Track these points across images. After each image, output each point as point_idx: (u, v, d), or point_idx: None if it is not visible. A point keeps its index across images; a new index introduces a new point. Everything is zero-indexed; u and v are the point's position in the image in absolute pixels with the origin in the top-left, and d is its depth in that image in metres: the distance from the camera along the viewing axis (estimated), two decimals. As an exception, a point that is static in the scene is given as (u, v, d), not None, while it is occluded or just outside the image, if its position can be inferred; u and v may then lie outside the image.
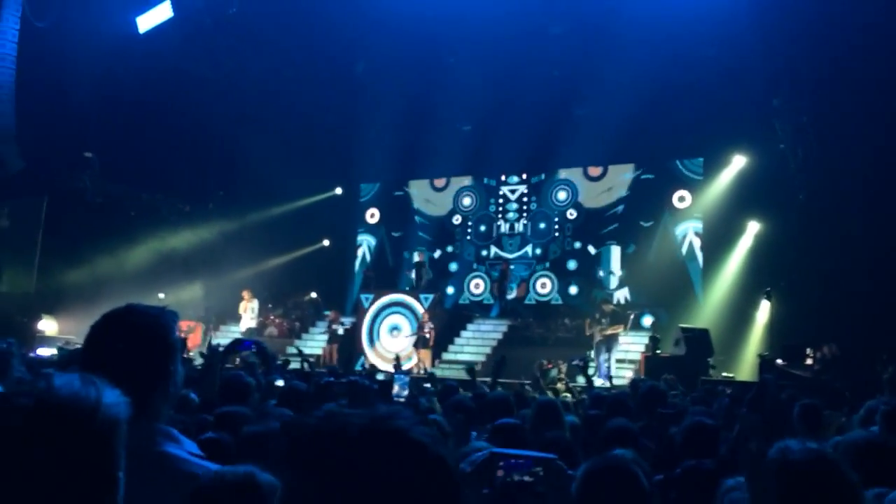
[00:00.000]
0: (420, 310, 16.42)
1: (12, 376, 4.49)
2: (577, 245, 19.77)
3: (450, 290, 20.74)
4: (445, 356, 16.48)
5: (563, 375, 13.26)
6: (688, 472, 3.45)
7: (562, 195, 20.17)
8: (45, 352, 11.19)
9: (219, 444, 3.00)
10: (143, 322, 1.80)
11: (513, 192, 20.82)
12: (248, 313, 17.44)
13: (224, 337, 18.41)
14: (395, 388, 2.87)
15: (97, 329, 1.78)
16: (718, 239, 17.56)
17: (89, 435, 1.02)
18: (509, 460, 1.34)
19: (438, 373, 14.70)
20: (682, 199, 18.67)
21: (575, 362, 12.84)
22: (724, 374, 13.43)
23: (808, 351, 13.04)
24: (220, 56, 18.45)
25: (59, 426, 1.01)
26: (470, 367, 9.40)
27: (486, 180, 21.15)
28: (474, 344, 17.17)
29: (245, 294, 17.67)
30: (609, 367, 14.10)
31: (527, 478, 1.33)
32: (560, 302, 19.43)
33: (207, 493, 1.62)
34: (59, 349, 10.89)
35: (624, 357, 15.23)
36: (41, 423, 1.00)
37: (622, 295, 18.74)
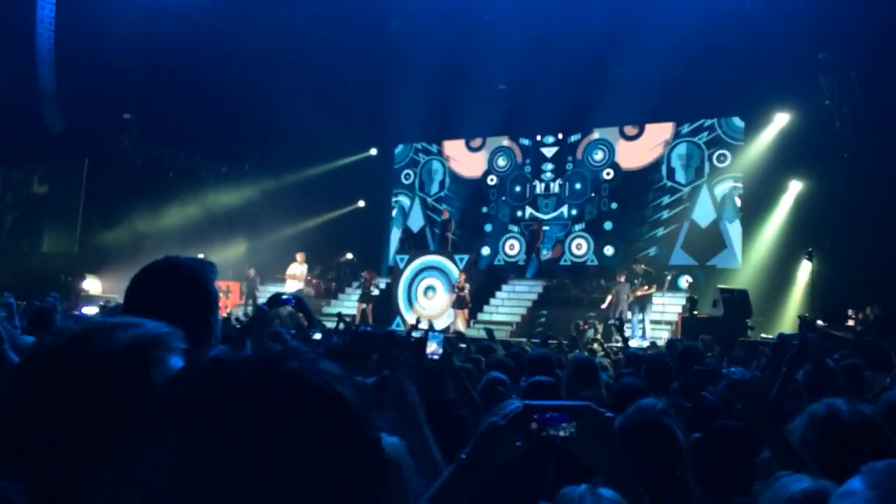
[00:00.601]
0: (455, 271, 16.43)
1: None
2: (614, 206, 19.50)
3: (485, 250, 20.69)
4: (481, 317, 16.53)
5: (599, 336, 13.25)
6: (722, 430, 3.42)
7: (598, 155, 19.87)
8: (89, 310, 11.45)
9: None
10: (183, 273, 1.79)
11: (549, 151, 20.54)
12: (298, 276, 17.36)
13: (262, 296, 18.69)
14: (432, 346, 2.86)
15: (137, 281, 1.77)
16: (759, 198, 17.21)
17: (107, 373, 1.01)
18: (543, 412, 1.32)
19: (474, 333, 14.77)
20: (721, 158, 18.30)
21: (611, 321, 12.79)
22: (763, 335, 13.25)
23: (850, 312, 12.80)
24: (255, 17, 18.41)
25: (72, 370, 1.00)
26: (488, 329, 9.44)
27: (521, 140, 20.89)
28: (509, 304, 17.19)
29: (298, 256, 17.59)
30: (644, 328, 14.04)
31: (562, 432, 1.31)
32: (595, 263, 19.28)
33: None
34: (101, 307, 11.14)
35: (661, 318, 15.13)
36: (60, 363, 1.00)
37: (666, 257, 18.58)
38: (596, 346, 12.86)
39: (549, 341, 8.80)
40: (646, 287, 14.47)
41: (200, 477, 0.82)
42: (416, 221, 22.10)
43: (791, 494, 1.51)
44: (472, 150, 21.56)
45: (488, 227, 21.07)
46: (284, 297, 4.82)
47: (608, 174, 19.71)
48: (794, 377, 3.32)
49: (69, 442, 0.97)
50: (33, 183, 20.48)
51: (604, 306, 15.06)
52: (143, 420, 1.00)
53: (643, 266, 14.98)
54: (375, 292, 17.46)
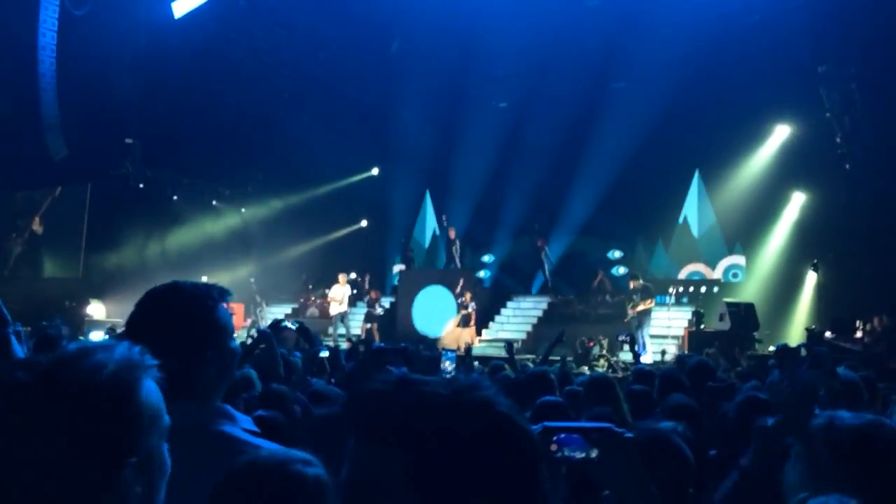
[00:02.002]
0: (459, 289, 16.36)
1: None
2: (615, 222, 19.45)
3: (489, 268, 20.68)
4: (486, 333, 16.47)
5: (605, 352, 13.19)
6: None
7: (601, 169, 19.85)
8: (94, 336, 11.42)
9: (270, 422, 3.03)
10: (187, 299, 1.76)
11: (552, 167, 20.46)
12: (340, 298, 16.80)
13: (269, 315, 18.68)
14: (445, 365, 2.84)
15: (141, 306, 1.75)
16: (763, 210, 17.18)
17: (92, 400, 0.98)
18: (562, 434, 1.29)
19: (479, 351, 14.71)
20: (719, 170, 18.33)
21: (621, 338, 12.74)
22: (771, 347, 13.18)
23: (858, 323, 12.73)
24: (255, 39, 18.53)
25: (60, 390, 0.97)
26: (508, 343, 9.34)
27: (521, 161, 20.79)
28: (514, 321, 17.13)
29: (340, 278, 17.11)
30: (645, 343, 13.98)
31: (581, 454, 1.28)
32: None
33: (241, 479, 1.53)
34: (109, 331, 11.11)
35: (667, 332, 15.07)
36: (43, 387, 0.97)
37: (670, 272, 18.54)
38: (602, 361, 12.85)
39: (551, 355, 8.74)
40: (646, 302, 14.42)
41: (387, 494, 0.86)
42: (421, 239, 22.10)
43: None
44: (473, 170, 21.52)
45: (494, 244, 21.04)
46: (284, 323, 4.81)
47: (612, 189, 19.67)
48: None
49: (64, 470, 0.95)
50: (42, 208, 20.47)
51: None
52: (135, 444, 0.98)
53: (641, 281, 14.94)
54: (380, 311, 17.39)
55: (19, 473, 0.94)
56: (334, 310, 16.77)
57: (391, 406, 0.91)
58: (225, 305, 1.83)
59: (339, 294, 16.85)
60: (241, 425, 1.75)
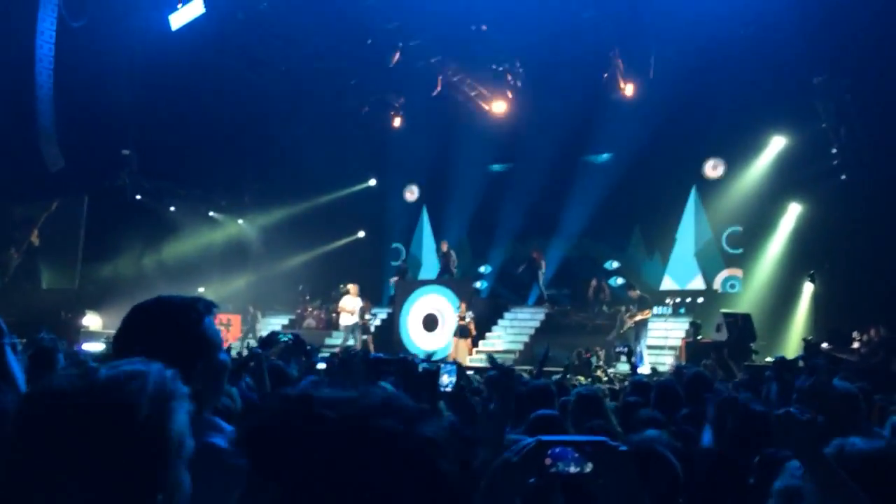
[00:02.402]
0: (457, 300, 16.36)
1: (59, 370, 4.56)
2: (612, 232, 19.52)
3: (486, 279, 20.70)
4: (482, 345, 16.44)
5: (601, 363, 13.19)
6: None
7: (598, 181, 19.92)
8: (90, 347, 11.39)
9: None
10: (173, 313, 1.76)
11: (549, 179, 20.51)
12: (353, 308, 16.54)
13: (266, 327, 18.65)
14: (444, 378, 2.83)
15: (127, 321, 1.75)
16: (759, 221, 17.22)
17: (133, 424, 0.97)
18: (556, 448, 1.28)
19: (476, 361, 14.68)
20: (716, 181, 18.39)
21: (619, 349, 12.75)
22: (768, 358, 13.18)
23: (855, 334, 12.74)
24: (252, 51, 18.56)
25: (100, 415, 0.96)
26: (490, 356, 9.34)
27: (518, 169, 20.84)
28: (511, 332, 17.11)
29: (351, 288, 16.85)
30: (642, 354, 13.98)
31: (576, 468, 1.27)
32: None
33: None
34: (108, 342, 11.06)
35: (664, 343, 15.07)
36: (80, 413, 0.96)
37: (666, 283, 18.55)
38: (600, 373, 12.83)
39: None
40: (644, 313, 14.43)
41: None
42: (417, 250, 22.12)
43: None
44: (470, 180, 21.57)
45: (491, 255, 21.06)
46: (281, 336, 4.82)
47: (609, 200, 19.71)
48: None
49: (98, 497, 0.94)
50: (40, 220, 20.39)
51: (610, 337, 14.98)
52: (166, 477, 0.97)
53: (638, 292, 14.95)
54: (373, 321, 17.37)
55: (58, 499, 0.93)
56: (345, 321, 16.47)
57: (273, 424, 0.82)
58: (212, 318, 1.83)
59: (350, 305, 16.58)
60: (229, 435, 1.75)
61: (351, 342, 16.22)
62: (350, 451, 0.78)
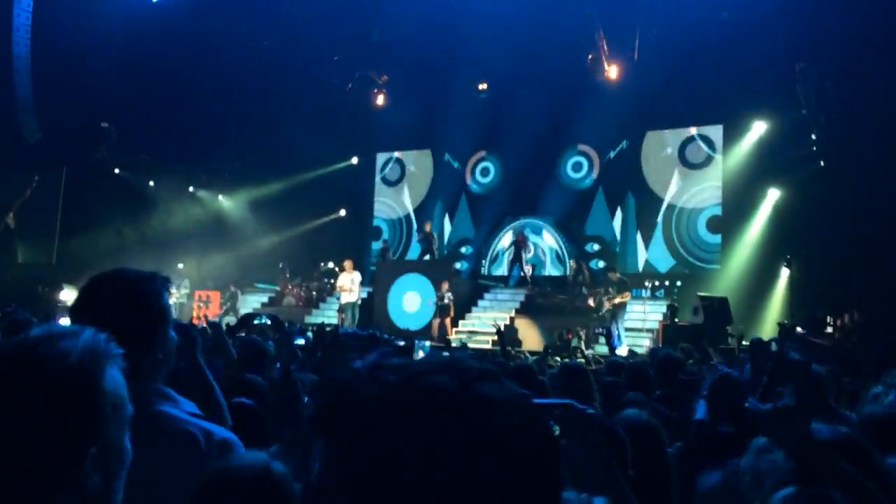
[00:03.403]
0: (438, 280, 16.38)
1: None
2: (596, 214, 19.63)
3: (467, 259, 20.75)
4: (462, 325, 16.51)
5: (582, 345, 13.29)
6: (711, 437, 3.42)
7: (578, 167, 19.99)
8: (66, 321, 11.31)
9: (245, 409, 3.06)
10: (131, 286, 1.78)
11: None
12: (350, 286, 16.14)
13: (245, 304, 18.60)
14: (418, 354, 2.85)
15: (85, 292, 1.77)
16: (738, 206, 17.37)
17: (60, 384, 0.98)
18: None
19: (455, 341, 14.75)
20: (694, 165, 18.52)
21: (598, 331, 12.84)
22: (744, 342, 13.33)
23: (829, 319, 12.91)
24: (234, 24, 18.34)
25: (27, 374, 0.97)
26: (497, 328, 9.17)
27: (502, 153, 20.88)
28: (491, 313, 17.17)
29: (346, 265, 16.50)
30: (620, 336, 14.09)
31: None
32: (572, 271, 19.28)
33: (217, 487, 1.60)
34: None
35: (642, 326, 15.21)
36: (10, 372, 0.97)
37: (647, 266, 18.68)
38: (578, 354, 12.93)
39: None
40: (623, 295, 14.52)
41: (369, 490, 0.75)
42: (399, 230, 22.12)
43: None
44: (453, 161, 21.58)
45: (471, 236, 21.11)
46: (258, 318, 4.82)
47: (586, 183, 19.83)
48: (774, 389, 3.31)
49: (22, 457, 0.94)
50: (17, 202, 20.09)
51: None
52: (97, 433, 0.97)
53: (618, 274, 15.06)
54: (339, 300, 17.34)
55: None
56: (345, 299, 16.10)
57: (350, 399, 0.79)
58: (168, 293, 1.86)
59: (346, 282, 16.19)
60: (184, 408, 1.79)
61: (348, 321, 15.99)
62: (406, 411, 0.77)
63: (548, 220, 20.16)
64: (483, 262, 20.84)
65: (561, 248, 19.97)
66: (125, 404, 1.07)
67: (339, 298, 16.58)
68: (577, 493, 1.28)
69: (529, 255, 18.81)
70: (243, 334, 5.05)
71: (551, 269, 19.94)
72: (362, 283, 16.82)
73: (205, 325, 6.86)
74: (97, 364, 1.03)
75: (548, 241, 20.15)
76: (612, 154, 19.48)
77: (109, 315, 1.60)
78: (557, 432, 1.30)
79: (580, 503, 1.31)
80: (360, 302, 16.52)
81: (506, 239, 20.54)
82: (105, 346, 1.06)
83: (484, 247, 20.82)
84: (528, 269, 18.31)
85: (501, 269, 20.21)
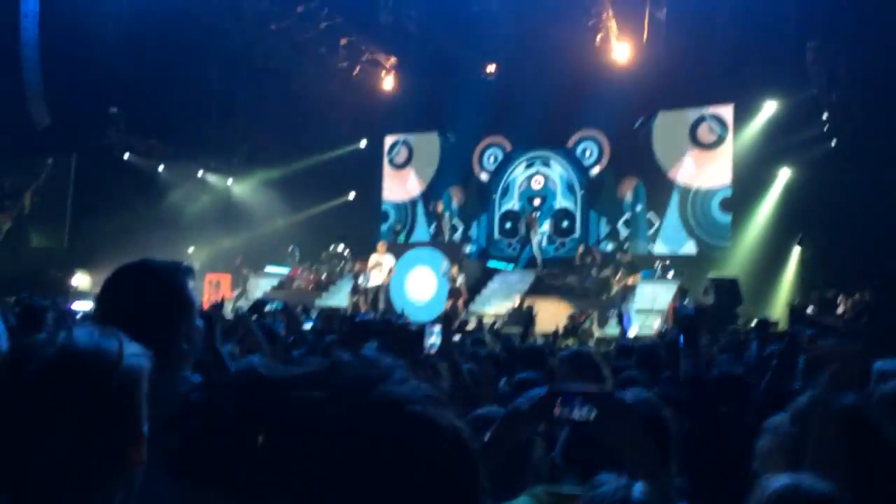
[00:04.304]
0: (447, 262, 16.38)
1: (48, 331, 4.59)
2: (602, 217, 19.66)
3: (476, 241, 20.78)
4: (471, 307, 16.52)
5: (594, 327, 13.30)
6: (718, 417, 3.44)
7: (588, 152, 19.95)
8: (79, 306, 11.40)
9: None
10: (158, 277, 1.79)
11: (541, 165, 20.48)
12: (379, 269, 16.18)
13: (256, 287, 18.67)
14: (430, 339, 2.87)
15: (111, 283, 1.78)
16: (749, 186, 17.28)
17: (110, 387, 1.01)
18: (567, 396, 1.34)
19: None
20: (709, 145, 18.43)
21: (609, 313, 12.85)
22: (753, 323, 13.33)
23: (840, 298, 12.87)
24: (241, 7, 18.28)
25: (79, 379, 0.99)
26: (478, 318, 9.29)
27: (512, 137, 20.84)
28: (501, 295, 17.18)
29: (379, 246, 16.59)
30: (630, 317, 14.10)
31: (582, 416, 1.32)
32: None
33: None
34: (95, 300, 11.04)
35: (651, 307, 15.20)
36: (62, 376, 0.99)
37: (659, 247, 18.66)
38: (586, 337, 12.95)
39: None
40: (633, 277, 14.51)
41: None
42: (409, 212, 22.14)
43: (767, 495, 1.51)
44: (461, 144, 21.55)
45: (481, 217, 21.13)
46: (269, 305, 4.86)
47: (595, 171, 19.81)
48: (787, 372, 3.32)
49: (71, 459, 0.97)
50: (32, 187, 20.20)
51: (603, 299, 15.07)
52: (141, 432, 1.00)
53: (628, 256, 15.06)
54: (365, 284, 17.35)
55: (36, 458, 0.96)
56: (375, 281, 16.11)
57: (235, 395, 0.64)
58: (192, 283, 1.87)
59: (378, 261, 16.18)
60: None
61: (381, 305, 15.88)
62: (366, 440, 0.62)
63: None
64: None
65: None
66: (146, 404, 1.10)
67: (359, 280, 16.64)
68: (617, 476, 1.31)
69: (538, 236, 18.78)
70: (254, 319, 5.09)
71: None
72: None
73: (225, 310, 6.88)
74: (143, 364, 1.06)
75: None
76: (622, 135, 19.41)
77: (136, 306, 1.64)
78: (594, 418, 1.32)
79: (619, 487, 1.34)
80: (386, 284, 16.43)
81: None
82: (146, 350, 1.09)
83: (493, 228, 20.85)
84: (537, 253, 18.30)
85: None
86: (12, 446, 0.97)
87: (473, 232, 21.20)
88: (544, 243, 19.58)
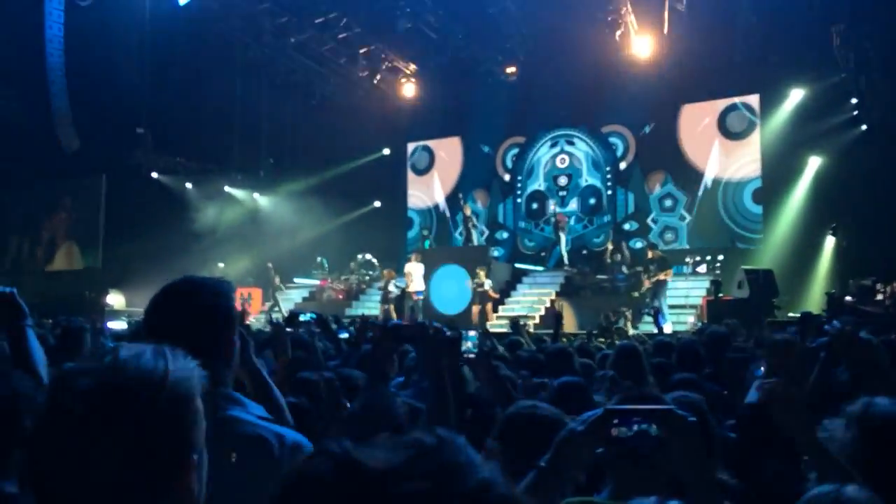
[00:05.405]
0: (475, 267, 16.31)
1: (86, 351, 4.63)
2: (631, 195, 19.50)
3: (503, 244, 20.73)
4: (502, 310, 16.44)
5: (628, 325, 13.18)
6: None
7: (614, 145, 19.83)
8: (114, 325, 11.53)
9: (297, 408, 3.05)
10: (203, 293, 1.79)
11: (565, 144, 20.45)
12: (410, 278, 16.45)
13: (286, 300, 18.78)
14: (466, 345, 2.85)
15: (157, 302, 1.77)
16: (779, 176, 17.03)
17: (156, 412, 0.98)
18: (624, 416, 1.28)
19: (496, 327, 14.69)
20: (738, 135, 18.21)
21: (645, 311, 12.72)
22: (791, 314, 13.10)
23: (879, 286, 12.61)
24: (260, 22, 18.42)
25: (123, 405, 0.97)
26: (513, 321, 9.37)
27: (535, 135, 20.81)
28: (530, 296, 17.10)
29: (413, 257, 16.87)
30: (664, 313, 13.91)
31: (643, 437, 1.27)
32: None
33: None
34: (129, 321, 11.19)
35: (685, 302, 15.01)
36: (105, 403, 0.96)
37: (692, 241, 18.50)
38: (616, 336, 12.81)
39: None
40: (666, 273, 14.35)
41: None
42: (437, 218, 22.16)
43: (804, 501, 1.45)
44: (484, 148, 21.54)
45: (508, 220, 21.09)
46: (303, 316, 4.87)
47: (625, 163, 19.67)
48: (831, 373, 3.21)
49: (115, 489, 0.95)
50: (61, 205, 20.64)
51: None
52: (193, 450, 0.98)
53: (659, 252, 14.89)
54: (395, 292, 17.36)
55: (81, 488, 0.95)
56: (416, 286, 16.33)
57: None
58: (234, 299, 1.88)
59: (413, 270, 16.41)
60: (253, 411, 1.79)
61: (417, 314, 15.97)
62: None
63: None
64: (521, 246, 20.78)
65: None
66: (204, 419, 1.08)
67: (391, 290, 16.71)
68: (658, 499, 1.25)
69: (567, 235, 18.66)
70: (289, 331, 5.10)
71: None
72: (401, 274, 16.88)
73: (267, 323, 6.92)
74: (192, 385, 1.04)
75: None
76: (647, 129, 19.26)
77: (182, 324, 1.63)
78: (656, 437, 1.27)
79: None
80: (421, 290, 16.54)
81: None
82: (194, 366, 1.07)
83: (521, 230, 20.78)
84: (565, 253, 18.17)
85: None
86: (58, 476, 0.95)
87: (500, 216, 21.15)
88: (572, 222, 19.55)
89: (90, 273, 19.37)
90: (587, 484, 1.68)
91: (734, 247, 17.53)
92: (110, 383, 0.98)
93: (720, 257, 16.88)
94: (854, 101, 15.68)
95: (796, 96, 16.75)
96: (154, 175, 19.91)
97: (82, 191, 20.24)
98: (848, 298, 12.18)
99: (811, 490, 1.50)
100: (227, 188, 21.34)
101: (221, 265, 19.52)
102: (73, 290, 17.57)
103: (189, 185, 20.59)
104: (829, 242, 15.76)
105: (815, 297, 14.82)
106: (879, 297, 12.42)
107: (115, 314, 15.27)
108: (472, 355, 2.97)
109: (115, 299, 17.54)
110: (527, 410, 2.19)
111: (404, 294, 16.86)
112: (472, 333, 3.08)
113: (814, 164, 16.49)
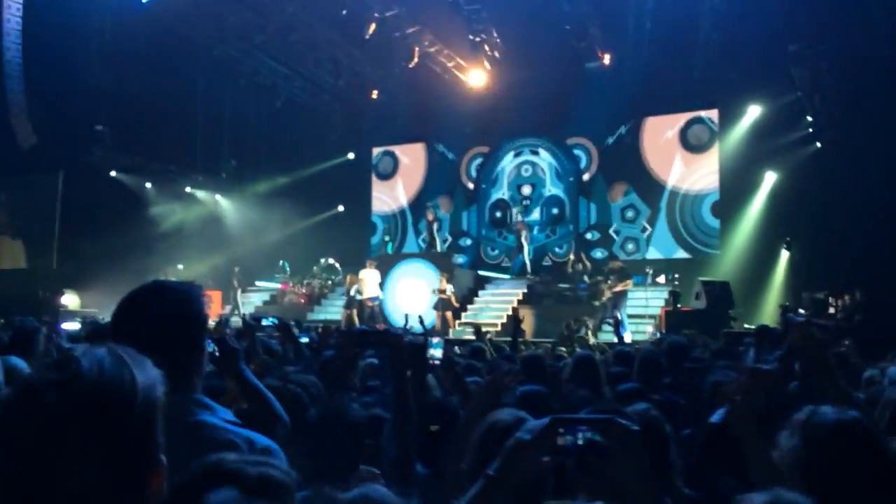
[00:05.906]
0: (437, 272, 16.35)
1: (39, 352, 4.53)
2: (593, 205, 19.72)
3: (466, 252, 20.79)
4: (464, 317, 16.50)
5: (589, 334, 13.29)
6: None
7: (578, 157, 20.06)
8: (68, 326, 11.28)
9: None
10: (174, 297, 1.79)
11: (529, 154, 20.63)
12: (364, 284, 16.47)
13: (246, 303, 18.58)
14: (431, 352, 2.87)
15: (125, 306, 1.76)
16: (736, 189, 17.39)
17: (129, 418, 0.97)
18: (570, 425, 1.31)
19: (458, 334, 14.75)
20: (696, 148, 18.54)
21: (607, 320, 12.83)
22: (746, 325, 13.37)
23: (830, 300, 12.94)
24: (225, 23, 18.22)
25: (96, 411, 0.95)
26: (477, 327, 9.43)
27: (499, 144, 20.93)
28: (493, 305, 17.18)
29: (369, 263, 16.77)
30: (624, 323, 14.07)
31: (588, 446, 1.30)
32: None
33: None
34: (83, 322, 10.97)
35: (644, 312, 15.23)
36: (77, 409, 0.94)
37: (652, 253, 18.73)
38: (576, 345, 12.92)
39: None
40: (624, 283, 14.54)
41: None
42: (399, 223, 22.13)
43: None
44: (448, 155, 21.61)
45: (471, 228, 21.16)
46: (265, 321, 4.87)
47: (588, 175, 19.90)
48: (787, 375, 3.29)
49: (91, 493, 0.94)
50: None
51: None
52: (159, 457, 0.98)
53: (619, 263, 15.11)
54: (358, 297, 17.31)
55: (56, 494, 0.93)
56: (371, 293, 16.29)
57: None
58: (203, 303, 1.88)
59: (366, 277, 16.37)
60: (221, 415, 1.80)
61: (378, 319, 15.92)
62: None
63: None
64: (483, 254, 20.86)
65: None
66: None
67: (353, 295, 16.64)
68: None
69: (528, 245, 18.80)
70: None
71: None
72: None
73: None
74: (157, 390, 1.03)
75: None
76: (609, 141, 19.51)
77: (151, 328, 1.62)
78: (600, 446, 1.29)
79: None
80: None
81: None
82: (158, 373, 1.05)
83: (483, 238, 20.86)
84: (528, 261, 18.29)
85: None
86: (31, 484, 0.93)
87: (463, 224, 21.20)
88: (535, 231, 19.72)
89: (45, 272, 18.91)
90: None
91: (692, 258, 17.85)
92: (79, 398, 0.95)
93: (678, 269, 17.17)
94: (809, 118, 16.09)
95: (754, 112, 17.14)
96: (113, 174, 19.55)
97: (38, 188, 19.76)
98: (801, 311, 12.47)
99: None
100: (188, 189, 21.07)
101: (181, 267, 19.24)
102: (26, 289, 17.13)
103: (149, 185, 20.27)
104: (784, 256, 16.14)
105: (769, 310, 15.15)
106: (832, 310, 12.74)
107: (70, 314, 14.95)
108: (436, 362, 2.99)
109: (69, 299, 17.16)
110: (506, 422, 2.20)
111: (361, 302, 16.78)
112: (436, 340, 3.10)
113: (770, 179, 16.87)
